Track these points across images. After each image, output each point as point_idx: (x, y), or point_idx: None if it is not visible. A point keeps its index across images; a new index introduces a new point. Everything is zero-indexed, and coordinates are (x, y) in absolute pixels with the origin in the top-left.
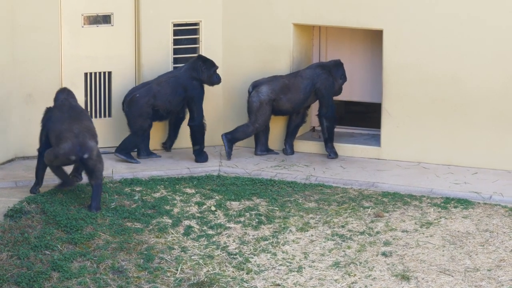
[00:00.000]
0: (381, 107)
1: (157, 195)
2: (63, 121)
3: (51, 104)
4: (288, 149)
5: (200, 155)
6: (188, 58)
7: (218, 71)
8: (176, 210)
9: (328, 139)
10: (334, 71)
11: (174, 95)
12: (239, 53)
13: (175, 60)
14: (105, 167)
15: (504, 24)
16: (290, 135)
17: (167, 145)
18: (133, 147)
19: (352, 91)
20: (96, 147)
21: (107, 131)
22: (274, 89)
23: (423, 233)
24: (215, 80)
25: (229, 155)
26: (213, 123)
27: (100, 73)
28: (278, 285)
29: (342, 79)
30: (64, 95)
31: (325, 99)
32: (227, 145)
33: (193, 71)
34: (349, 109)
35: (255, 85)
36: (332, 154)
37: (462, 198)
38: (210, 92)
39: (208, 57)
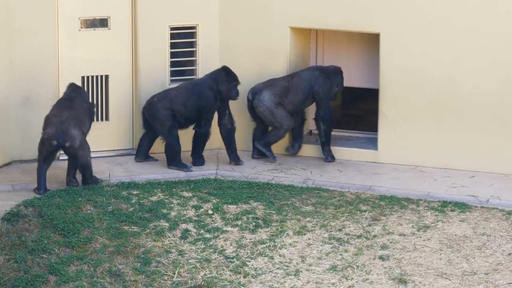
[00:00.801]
0: (378, 110)
1: (154, 198)
2: (54, 109)
3: (49, 108)
4: (297, 148)
5: (198, 159)
6: (185, 62)
7: None
8: (173, 213)
9: (325, 143)
10: (333, 77)
11: (188, 101)
12: (236, 56)
13: (172, 64)
14: (102, 171)
15: (500, 28)
16: (297, 135)
17: (233, 161)
18: (176, 153)
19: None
20: (80, 135)
21: (105, 134)
22: (276, 93)
23: (420, 237)
24: (232, 94)
25: (274, 157)
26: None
27: (97, 76)
28: None
29: (338, 88)
30: (68, 89)
31: (322, 102)
32: (265, 150)
33: (213, 81)
34: (346, 113)
35: (254, 92)
36: (329, 157)
37: (459, 202)
38: None
39: (209, 59)
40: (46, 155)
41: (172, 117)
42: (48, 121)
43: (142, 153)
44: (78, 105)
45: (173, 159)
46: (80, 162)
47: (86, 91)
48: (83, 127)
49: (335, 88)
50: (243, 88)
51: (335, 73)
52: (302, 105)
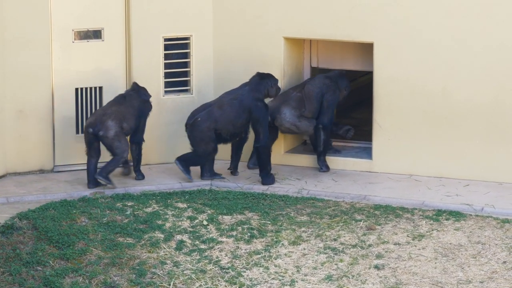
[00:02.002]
0: (372, 120)
1: (149, 210)
2: (106, 104)
3: (43, 120)
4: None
5: (267, 177)
6: (179, 73)
7: (209, 85)
8: (168, 224)
9: (322, 152)
10: (340, 82)
11: (238, 118)
12: (230, 67)
13: (166, 75)
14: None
15: (494, 37)
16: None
17: (232, 168)
18: (193, 164)
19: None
20: (117, 128)
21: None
22: (294, 106)
23: (415, 246)
24: (274, 94)
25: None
26: None
27: (91, 88)
28: None
29: (346, 90)
30: (129, 89)
31: (329, 110)
32: (322, 163)
33: (256, 92)
34: (340, 122)
35: (273, 112)
36: (324, 167)
37: (454, 210)
38: None
39: (203, 70)
40: (89, 147)
41: (215, 137)
42: (93, 112)
43: (208, 170)
44: (129, 103)
45: (186, 160)
46: (115, 153)
47: (146, 92)
48: (124, 122)
49: (343, 92)
50: None
51: (341, 77)
52: (317, 112)
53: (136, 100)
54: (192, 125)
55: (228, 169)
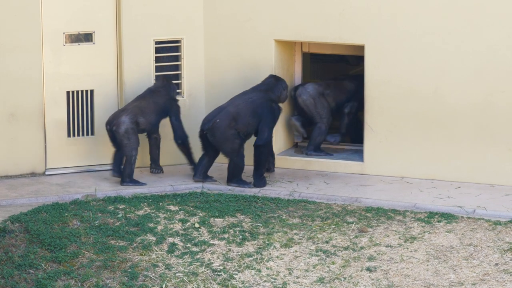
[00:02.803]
0: (363, 122)
1: (140, 212)
2: (130, 102)
3: (34, 123)
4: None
5: (259, 179)
6: (170, 76)
7: (201, 88)
8: (160, 227)
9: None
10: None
11: (253, 119)
12: (221, 69)
13: (157, 78)
14: (88, 185)
15: (484, 39)
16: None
17: (269, 167)
18: (240, 171)
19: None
20: (129, 124)
21: (90, 149)
22: (320, 84)
23: (407, 248)
24: (285, 98)
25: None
26: (196, 141)
27: (82, 91)
28: None
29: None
30: (157, 83)
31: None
32: (322, 154)
33: (271, 93)
34: (332, 125)
35: (297, 87)
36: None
37: (446, 213)
38: (193, 109)
39: (194, 73)
40: (112, 141)
41: (239, 135)
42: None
43: (200, 172)
44: (153, 99)
45: (235, 176)
46: (124, 154)
47: (173, 86)
48: (140, 117)
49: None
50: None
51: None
52: (343, 104)
53: (162, 98)
54: (212, 129)
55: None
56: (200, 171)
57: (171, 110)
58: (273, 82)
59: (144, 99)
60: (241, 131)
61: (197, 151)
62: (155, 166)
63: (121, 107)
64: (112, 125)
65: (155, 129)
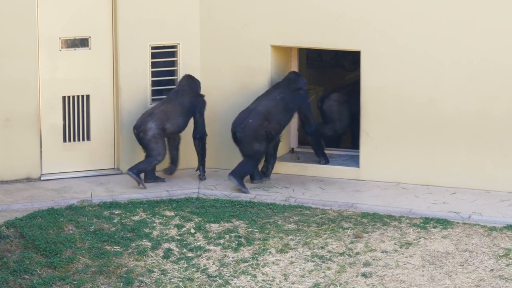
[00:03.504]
0: (359, 128)
1: (136, 218)
2: (157, 104)
3: (30, 128)
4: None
5: (325, 155)
6: (166, 81)
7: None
8: (155, 233)
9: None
10: None
11: (285, 115)
12: (218, 75)
13: (153, 83)
14: (84, 191)
15: (480, 46)
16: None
17: (267, 172)
18: (247, 172)
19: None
20: (156, 130)
21: (86, 154)
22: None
23: (402, 254)
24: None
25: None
26: (190, 146)
27: (78, 96)
28: None
29: None
30: (182, 81)
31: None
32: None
33: (295, 84)
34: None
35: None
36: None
37: (441, 218)
38: None
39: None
40: (141, 145)
41: (267, 138)
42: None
43: (257, 173)
44: (178, 101)
45: (241, 175)
46: (150, 155)
47: (197, 81)
48: (167, 123)
49: None
50: (224, 107)
51: None
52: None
53: (187, 96)
54: (244, 128)
55: (262, 171)
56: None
57: (197, 106)
58: (294, 77)
59: (169, 102)
60: (273, 130)
61: (194, 155)
62: (171, 168)
63: (145, 111)
64: (139, 131)
65: (184, 129)
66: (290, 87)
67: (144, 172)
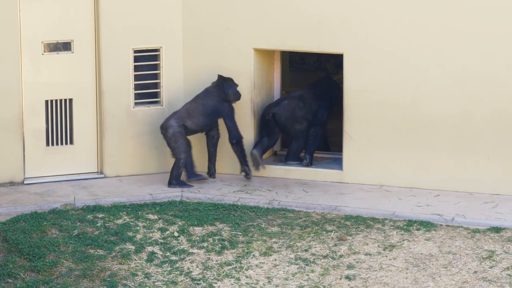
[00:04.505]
0: (342, 130)
1: (119, 221)
2: (187, 103)
3: (13, 132)
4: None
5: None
6: (149, 85)
7: (180, 96)
8: (139, 236)
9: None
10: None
11: (322, 107)
12: (201, 78)
13: (136, 87)
14: (67, 194)
15: (462, 49)
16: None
17: (307, 161)
18: (299, 150)
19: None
20: (176, 128)
21: (69, 158)
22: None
23: (386, 256)
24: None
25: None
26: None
27: (61, 100)
28: None
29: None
30: (213, 82)
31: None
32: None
33: (328, 81)
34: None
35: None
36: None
37: (425, 221)
38: None
39: (173, 82)
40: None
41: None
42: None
43: (259, 147)
44: (202, 101)
45: (293, 156)
46: (173, 155)
47: (227, 85)
48: (188, 120)
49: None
50: None
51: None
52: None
53: (212, 99)
54: (280, 110)
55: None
56: (260, 147)
57: (223, 111)
58: (326, 77)
59: (195, 102)
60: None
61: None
62: (209, 167)
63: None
64: (163, 129)
65: (207, 129)
66: (324, 83)
67: (176, 174)
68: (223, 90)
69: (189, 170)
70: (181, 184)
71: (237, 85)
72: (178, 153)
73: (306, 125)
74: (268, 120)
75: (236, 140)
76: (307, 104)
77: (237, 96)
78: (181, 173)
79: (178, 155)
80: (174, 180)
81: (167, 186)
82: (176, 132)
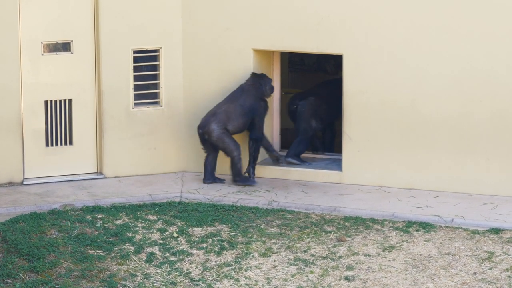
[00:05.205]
0: (342, 131)
1: (119, 222)
2: (223, 101)
3: (12, 132)
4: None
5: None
6: (149, 85)
7: (179, 97)
8: (138, 237)
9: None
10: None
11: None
12: (200, 79)
13: (136, 87)
14: (67, 195)
15: (462, 49)
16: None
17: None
18: (303, 149)
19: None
20: (219, 131)
21: (69, 158)
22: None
23: (385, 257)
24: None
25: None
26: (172, 150)
27: (60, 100)
28: None
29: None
30: (249, 79)
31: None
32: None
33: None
34: None
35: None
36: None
37: (424, 222)
38: (171, 119)
39: (172, 82)
40: (202, 144)
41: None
42: (208, 111)
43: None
44: (242, 101)
45: (298, 153)
46: (226, 155)
47: (264, 82)
48: (229, 124)
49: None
50: (207, 111)
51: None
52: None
53: (249, 98)
54: (302, 105)
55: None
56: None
57: (257, 111)
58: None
59: (232, 102)
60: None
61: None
62: (249, 165)
63: (210, 110)
64: (203, 131)
65: (246, 128)
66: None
67: (235, 172)
68: (260, 88)
69: (211, 172)
70: (244, 180)
71: (271, 80)
72: (230, 151)
73: (321, 127)
74: (292, 111)
75: (255, 138)
76: (327, 105)
77: (272, 90)
78: (240, 169)
79: (230, 154)
80: (237, 177)
81: (232, 183)
82: (220, 134)
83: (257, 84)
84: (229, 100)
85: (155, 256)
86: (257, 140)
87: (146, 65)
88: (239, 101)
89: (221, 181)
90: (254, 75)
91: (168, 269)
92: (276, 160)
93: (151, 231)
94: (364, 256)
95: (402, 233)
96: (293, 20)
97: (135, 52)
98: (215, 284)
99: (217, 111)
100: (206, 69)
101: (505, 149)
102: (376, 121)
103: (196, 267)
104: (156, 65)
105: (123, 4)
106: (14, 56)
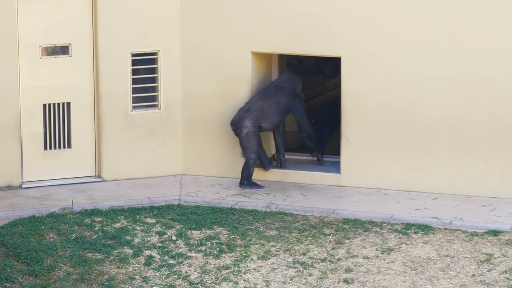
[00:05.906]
0: (340, 133)
1: (117, 225)
2: (257, 94)
3: (10, 136)
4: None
5: None
6: (147, 88)
7: (178, 100)
8: (136, 240)
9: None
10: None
11: None
12: (198, 82)
13: (134, 90)
14: (65, 198)
15: (460, 52)
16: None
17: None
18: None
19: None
20: (251, 128)
21: (67, 162)
22: None
23: (384, 259)
24: None
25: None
26: (171, 153)
27: (59, 104)
28: None
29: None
30: (282, 76)
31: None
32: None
33: None
34: None
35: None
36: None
37: (423, 224)
38: (170, 122)
39: (171, 85)
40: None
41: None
42: (241, 106)
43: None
44: (275, 99)
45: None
46: (243, 154)
47: (298, 79)
48: (263, 122)
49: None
50: (205, 113)
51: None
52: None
53: (284, 95)
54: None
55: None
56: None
57: (294, 107)
58: None
59: (266, 99)
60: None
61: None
62: (277, 157)
63: (243, 106)
64: (236, 127)
65: (279, 126)
66: None
67: (246, 175)
68: (294, 84)
69: (265, 160)
70: (252, 185)
71: (300, 77)
72: (249, 153)
73: (329, 130)
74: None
75: (306, 135)
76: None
77: (302, 86)
78: (252, 173)
79: (248, 155)
80: (245, 181)
81: (238, 186)
82: (250, 132)
83: (292, 80)
84: (262, 97)
85: (153, 259)
86: (309, 136)
87: (144, 68)
88: (275, 98)
89: (260, 187)
90: (288, 71)
91: (166, 272)
92: (317, 160)
93: (150, 234)
94: (363, 258)
95: (400, 235)
96: (291, 22)
97: (133, 55)
98: (214, 287)
99: (251, 108)
100: (205, 72)
101: (504, 151)
102: (374, 123)
103: (195, 270)
104: (154, 68)
105: (121, 8)
106: (12, 59)
